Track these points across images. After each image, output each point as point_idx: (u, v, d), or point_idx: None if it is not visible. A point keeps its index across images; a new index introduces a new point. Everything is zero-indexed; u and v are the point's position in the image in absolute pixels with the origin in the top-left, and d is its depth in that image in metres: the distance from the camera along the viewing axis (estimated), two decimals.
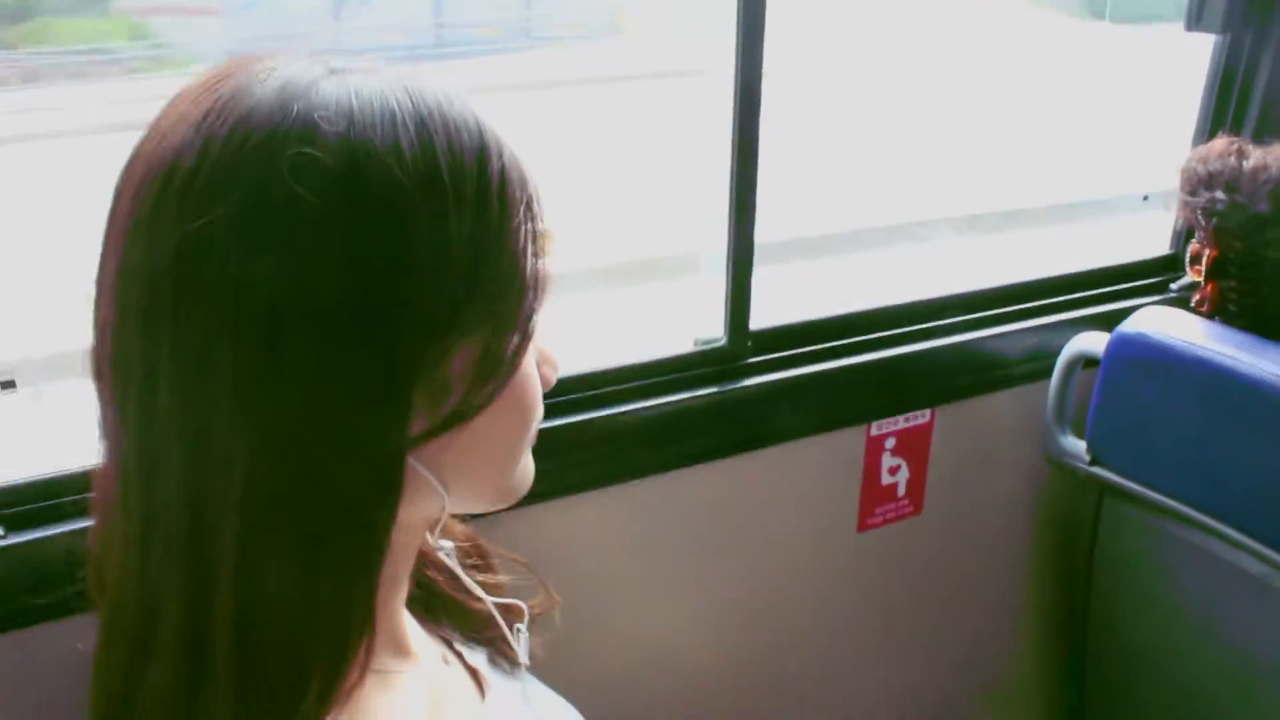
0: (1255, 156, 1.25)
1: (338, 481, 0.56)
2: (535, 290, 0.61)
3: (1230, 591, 1.30)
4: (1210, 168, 1.27)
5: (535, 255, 0.60)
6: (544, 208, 0.61)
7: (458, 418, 0.59)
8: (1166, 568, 1.38)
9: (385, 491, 0.57)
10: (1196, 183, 1.28)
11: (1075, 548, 1.49)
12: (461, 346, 0.58)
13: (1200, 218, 1.27)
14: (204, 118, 0.54)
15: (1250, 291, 1.26)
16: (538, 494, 1.12)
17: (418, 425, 0.58)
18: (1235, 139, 1.29)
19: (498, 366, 0.60)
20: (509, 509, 1.04)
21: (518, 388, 0.63)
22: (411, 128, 0.55)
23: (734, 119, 1.21)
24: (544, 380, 0.68)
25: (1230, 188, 1.24)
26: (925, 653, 1.57)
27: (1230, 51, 1.57)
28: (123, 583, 0.58)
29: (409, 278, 0.54)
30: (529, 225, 0.60)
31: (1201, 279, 1.30)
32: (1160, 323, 1.29)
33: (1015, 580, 1.61)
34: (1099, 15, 5.94)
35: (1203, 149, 1.30)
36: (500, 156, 0.58)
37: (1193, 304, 1.33)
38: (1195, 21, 1.56)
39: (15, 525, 0.96)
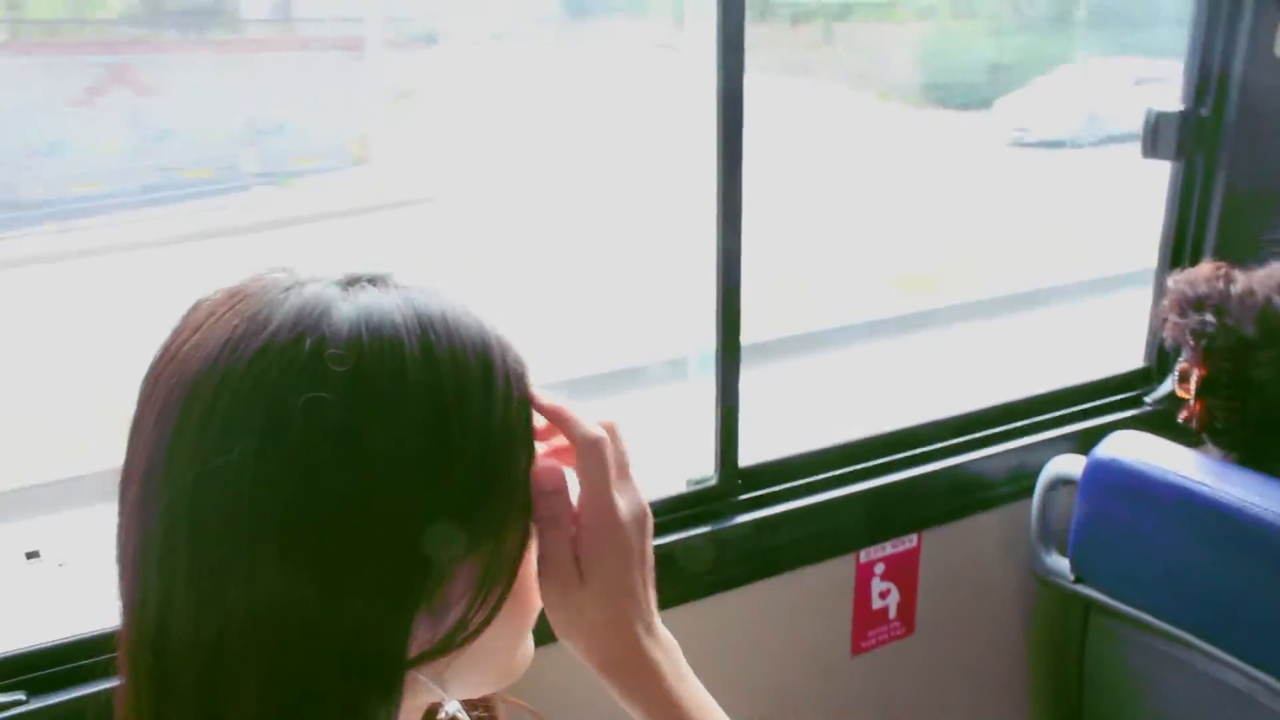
0: (1241, 281, 1.31)
1: (342, 691, 0.58)
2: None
3: (1217, 706, 1.33)
4: (1198, 291, 1.32)
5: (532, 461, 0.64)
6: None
7: (459, 633, 0.61)
8: (1154, 682, 1.41)
9: (387, 696, 0.60)
10: (1185, 304, 1.33)
11: (1065, 662, 1.52)
12: (464, 565, 0.60)
13: (1189, 338, 1.32)
14: (224, 345, 0.56)
15: (1238, 409, 1.30)
16: (541, 636, 1.18)
17: (420, 644, 0.60)
18: (1221, 264, 1.35)
19: (498, 579, 0.62)
20: None
21: (519, 590, 0.65)
22: (420, 355, 0.57)
23: (718, 281, 1.27)
24: None
25: (1219, 310, 1.30)
26: None
27: (1186, 176, 1.65)
28: None
29: (413, 513, 0.57)
30: (529, 433, 0.63)
31: (1190, 397, 1.34)
32: (1132, 447, 1.35)
33: (1009, 695, 1.63)
34: (942, 102, 6.20)
35: (1190, 272, 1.36)
36: (504, 374, 0.60)
37: (1180, 420, 1.37)
38: (1150, 149, 1.65)
39: (38, 689, 1.00)
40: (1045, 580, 1.49)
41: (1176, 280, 1.37)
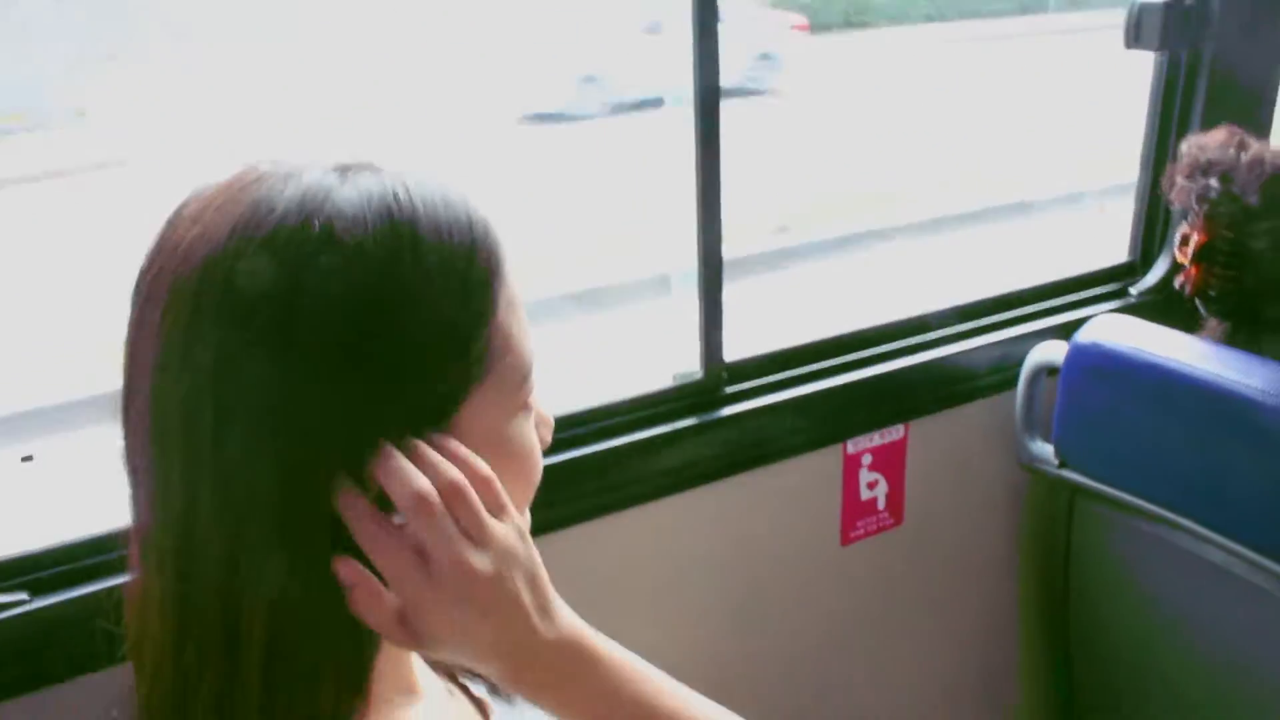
0: (1254, 149, 1.30)
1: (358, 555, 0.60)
2: (530, 363, 0.66)
3: (1197, 582, 1.36)
4: (1209, 155, 1.31)
5: (524, 335, 0.66)
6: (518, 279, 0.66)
7: None
8: (1137, 563, 1.44)
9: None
10: (1194, 168, 1.32)
11: (1052, 548, 1.55)
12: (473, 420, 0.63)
13: (1193, 202, 1.31)
14: (231, 233, 0.58)
15: (1233, 278, 1.31)
16: (532, 530, 1.20)
17: None
18: (1237, 130, 1.33)
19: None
20: None
21: (522, 460, 0.68)
22: (420, 230, 0.60)
23: (696, 156, 1.27)
24: (541, 441, 0.73)
25: (1225, 177, 1.29)
26: (914, 658, 1.63)
27: (1169, 67, 1.65)
28: (160, 661, 0.62)
29: (429, 364, 0.60)
30: (514, 307, 0.65)
31: (1187, 261, 1.34)
32: (1112, 331, 1.36)
33: (997, 583, 1.67)
34: None
35: (1203, 136, 1.35)
36: (488, 248, 0.63)
37: (1176, 285, 1.37)
38: (1134, 40, 1.64)
39: (40, 589, 1.03)
40: (1030, 467, 1.51)
41: (1190, 143, 1.35)
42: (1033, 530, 1.59)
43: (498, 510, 0.64)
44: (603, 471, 1.27)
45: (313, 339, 0.57)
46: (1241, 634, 1.35)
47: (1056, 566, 1.55)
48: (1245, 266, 1.30)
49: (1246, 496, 1.26)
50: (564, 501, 1.25)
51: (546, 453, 1.24)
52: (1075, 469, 1.45)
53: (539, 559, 0.67)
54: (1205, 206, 1.30)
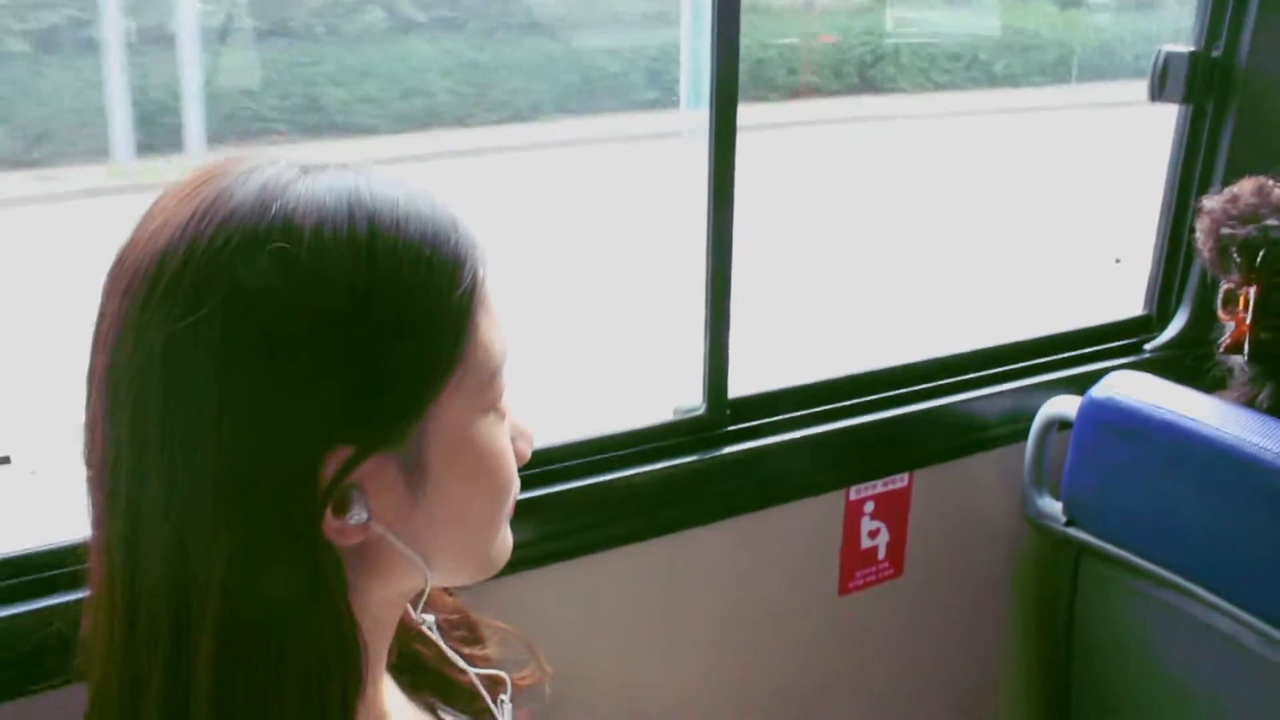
0: None
1: (305, 564, 0.60)
2: (499, 364, 0.66)
3: (1204, 652, 1.32)
4: (1246, 204, 1.26)
5: (493, 333, 0.65)
6: (496, 286, 0.66)
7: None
8: (1144, 627, 1.40)
9: (339, 573, 0.62)
10: (1231, 219, 1.26)
11: (1055, 607, 1.51)
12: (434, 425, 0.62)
13: (1237, 254, 1.24)
14: (189, 219, 0.58)
15: None
16: (526, 561, 1.17)
17: (394, 499, 0.62)
18: (1263, 179, 1.29)
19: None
20: (500, 576, 1.08)
21: (493, 463, 0.67)
22: (378, 222, 0.59)
23: (709, 190, 1.24)
24: (519, 454, 0.72)
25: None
26: (909, 714, 1.58)
27: (1193, 120, 1.62)
28: (109, 661, 0.62)
29: (382, 358, 0.59)
30: (483, 303, 0.64)
31: (1245, 317, 1.25)
32: (1129, 387, 1.33)
33: (998, 640, 1.62)
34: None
35: (1226, 192, 1.30)
36: (452, 242, 0.62)
37: (1222, 349, 1.29)
38: (1159, 93, 1.61)
39: (6, 599, 0.98)
40: (1037, 523, 1.47)
41: (1218, 198, 1.30)
42: (1037, 588, 1.55)
43: None
44: (596, 507, 1.23)
45: (263, 324, 0.57)
46: (1249, 708, 1.30)
47: (1060, 626, 1.51)
48: None
49: (1261, 566, 1.22)
50: (560, 535, 1.21)
51: (544, 483, 1.22)
52: (1083, 527, 1.41)
53: None
54: (1254, 256, 1.23)
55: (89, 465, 0.62)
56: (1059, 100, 6.90)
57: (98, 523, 0.62)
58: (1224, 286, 1.29)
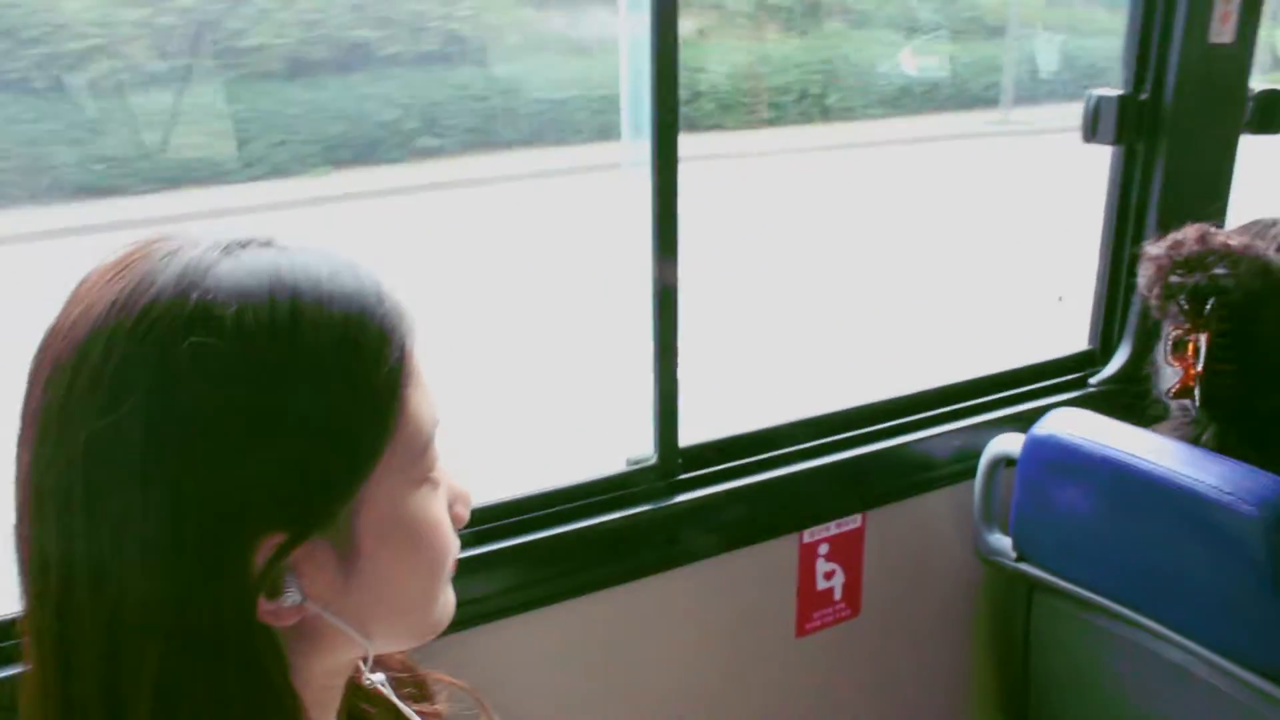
0: (1234, 237, 1.26)
1: (244, 640, 0.60)
2: (430, 435, 0.65)
3: (1156, 682, 1.34)
4: (1190, 250, 1.26)
5: (423, 405, 0.65)
6: (423, 355, 0.65)
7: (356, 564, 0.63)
8: (1097, 659, 1.42)
9: (277, 655, 0.62)
10: (1177, 266, 1.26)
11: (1011, 642, 1.53)
12: (362, 503, 0.62)
13: (1185, 302, 1.24)
14: (110, 309, 0.57)
15: (1234, 372, 1.24)
16: (482, 616, 1.18)
17: (325, 580, 0.62)
18: (1202, 225, 1.29)
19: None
20: (455, 632, 1.08)
21: (428, 536, 0.67)
22: (300, 304, 0.59)
23: (653, 240, 1.26)
24: (456, 519, 0.72)
25: (1232, 262, 1.23)
26: None
27: (1126, 161, 1.67)
28: None
29: (309, 446, 0.59)
30: (411, 376, 0.64)
31: (1195, 364, 1.25)
32: (1069, 424, 1.36)
33: (956, 676, 1.64)
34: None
35: (1170, 238, 1.29)
36: (379, 316, 0.61)
37: (1170, 395, 1.29)
38: (1091, 134, 1.66)
39: None
40: (989, 560, 1.49)
41: (1155, 248, 1.29)
42: (991, 623, 1.57)
43: None
44: (552, 559, 1.25)
45: (186, 421, 0.56)
46: None
47: (1016, 661, 1.53)
48: (1253, 357, 1.23)
49: (1203, 596, 1.25)
50: (513, 590, 1.22)
51: (493, 539, 1.23)
52: (1033, 562, 1.43)
53: None
54: (1202, 303, 1.23)
55: (18, 559, 0.61)
56: (903, 133, 6.68)
57: (27, 599, 0.61)
58: (1172, 333, 1.28)
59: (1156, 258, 1.29)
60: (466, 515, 0.73)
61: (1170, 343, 1.28)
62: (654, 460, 1.33)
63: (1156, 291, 1.29)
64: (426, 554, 0.67)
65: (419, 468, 0.65)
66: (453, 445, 0.70)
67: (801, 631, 1.46)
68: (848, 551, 1.47)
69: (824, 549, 1.45)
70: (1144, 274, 1.30)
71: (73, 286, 0.62)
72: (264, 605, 0.60)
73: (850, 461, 1.45)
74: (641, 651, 1.35)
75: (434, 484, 0.68)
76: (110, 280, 0.59)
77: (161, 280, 0.58)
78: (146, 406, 0.55)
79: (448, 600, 0.73)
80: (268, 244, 0.62)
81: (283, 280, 0.59)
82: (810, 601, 1.45)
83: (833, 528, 1.45)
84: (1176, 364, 1.27)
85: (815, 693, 1.51)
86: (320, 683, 0.68)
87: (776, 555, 1.42)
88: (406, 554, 0.65)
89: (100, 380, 0.56)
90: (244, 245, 0.61)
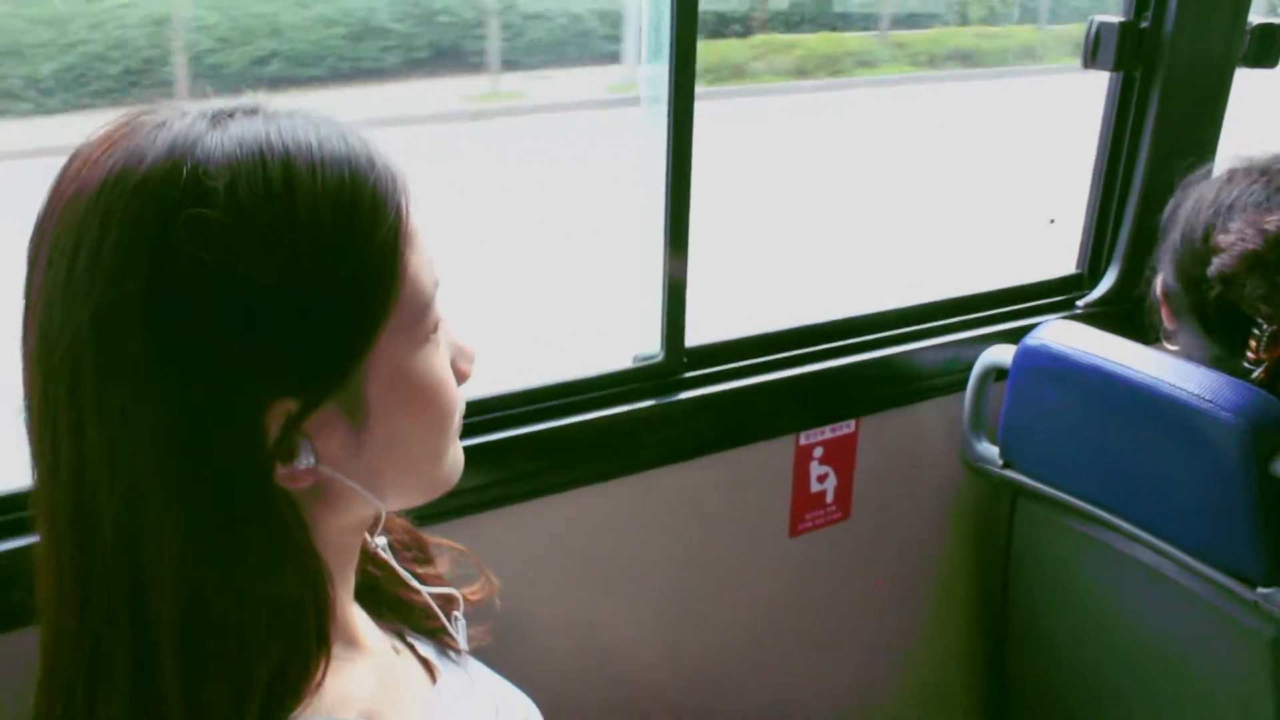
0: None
1: (264, 517, 0.61)
2: (431, 296, 0.67)
3: (1129, 583, 1.41)
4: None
5: (422, 266, 0.66)
6: (419, 216, 0.66)
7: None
8: (1075, 562, 1.48)
9: (298, 517, 0.64)
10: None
11: (993, 547, 1.60)
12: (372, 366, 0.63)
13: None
14: (101, 188, 0.58)
15: None
16: (485, 503, 1.22)
17: (337, 440, 0.64)
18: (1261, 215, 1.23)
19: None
20: (458, 517, 1.11)
21: (434, 392, 0.68)
22: (293, 170, 0.59)
23: (667, 144, 1.29)
24: (460, 374, 0.73)
25: None
26: (857, 649, 1.66)
27: (1123, 87, 1.70)
28: (60, 624, 0.62)
29: (313, 312, 0.59)
30: (409, 238, 0.64)
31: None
32: (1060, 335, 1.41)
33: (941, 579, 1.70)
34: None
35: (1255, 220, 1.23)
36: (372, 179, 0.62)
37: (1253, 374, 1.26)
38: (1091, 60, 1.69)
39: None
40: (975, 467, 1.55)
41: (1246, 239, 1.21)
42: (975, 529, 1.63)
43: None
44: (559, 449, 1.29)
45: (188, 294, 0.56)
46: (1172, 634, 1.39)
47: (997, 565, 1.59)
48: None
49: (1179, 499, 1.31)
50: (521, 478, 1.26)
51: (503, 426, 1.27)
52: (1018, 469, 1.49)
53: None
54: None
55: (29, 428, 0.62)
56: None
57: (40, 488, 0.62)
58: (1268, 328, 1.24)
59: (1240, 242, 1.22)
60: (470, 370, 0.74)
61: (1269, 335, 1.24)
62: (660, 358, 1.37)
63: (1260, 292, 1.22)
64: (433, 411, 0.69)
65: (421, 328, 0.66)
66: (453, 307, 0.71)
67: (794, 532, 1.52)
68: (841, 456, 1.52)
69: (819, 452, 1.50)
70: (1231, 265, 1.23)
71: (63, 163, 0.62)
72: (279, 470, 0.61)
73: (847, 368, 1.49)
74: (639, 545, 1.40)
75: (437, 343, 0.69)
76: (99, 158, 0.59)
77: (152, 155, 0.58)
78: (149, 281, 0.56)
79: (456, 455, 0.75)
80: (254, 112, 0.62)
81: (273, 148, 0.59)
82: (804, 503, 1.51)
83: (827, 431, 1.50)
84: (1265, 356, 1.26)
85: (805, 591, 1.57)
86: (338, 541, 0.70)
87: (773, 456, 1.46)
88: (414, 411, 0.67)
89: (99, 260, 0.57)
90: (231, 115, 0.61)
